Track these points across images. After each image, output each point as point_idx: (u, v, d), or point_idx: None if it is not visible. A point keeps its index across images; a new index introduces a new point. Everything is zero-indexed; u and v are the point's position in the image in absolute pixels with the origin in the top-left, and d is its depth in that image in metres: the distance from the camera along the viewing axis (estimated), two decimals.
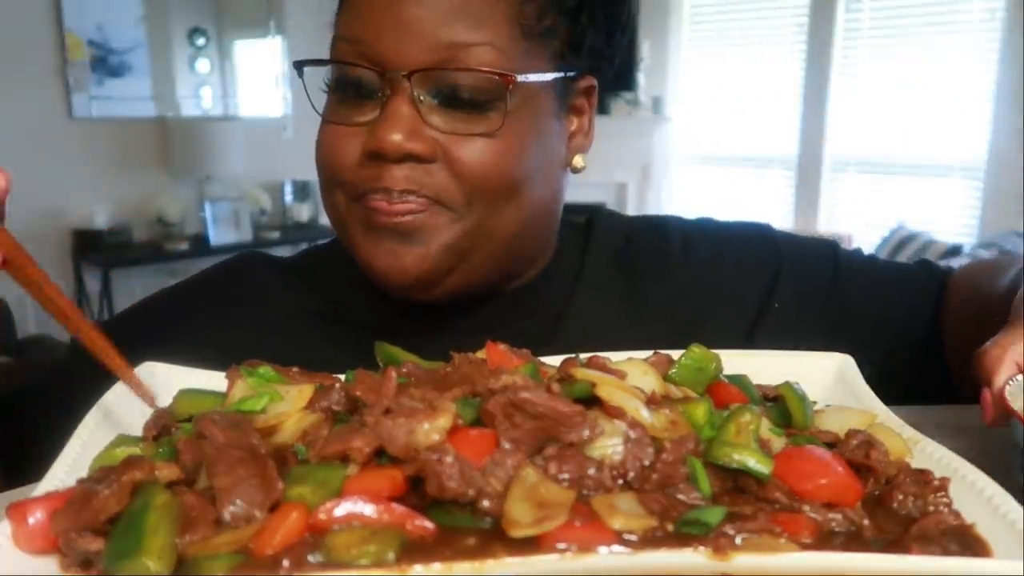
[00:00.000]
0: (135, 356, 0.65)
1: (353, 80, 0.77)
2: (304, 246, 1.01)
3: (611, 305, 0.90)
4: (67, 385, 0.74)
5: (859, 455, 0.54)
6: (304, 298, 0.91)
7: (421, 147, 0.75)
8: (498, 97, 0.75)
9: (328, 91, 0.81)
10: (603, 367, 0.60)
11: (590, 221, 0.97)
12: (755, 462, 0.49)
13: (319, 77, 0.81)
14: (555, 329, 0.88)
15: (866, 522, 0.48)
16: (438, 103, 0.75)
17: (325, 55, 0.79)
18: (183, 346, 0.70)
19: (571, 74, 0.82)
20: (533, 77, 0.77)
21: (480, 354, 0.62)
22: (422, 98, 0.75)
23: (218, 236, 4.70)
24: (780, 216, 5.12)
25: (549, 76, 0.79)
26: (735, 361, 0.69)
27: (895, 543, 0.47)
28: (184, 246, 4.63)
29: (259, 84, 5.23)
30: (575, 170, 0.88)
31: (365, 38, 0.75)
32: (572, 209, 0.90)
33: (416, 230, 0.78)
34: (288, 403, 0.57)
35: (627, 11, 0.86)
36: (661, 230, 0.97)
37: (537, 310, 0.89)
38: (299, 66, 0.80)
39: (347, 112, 0.78)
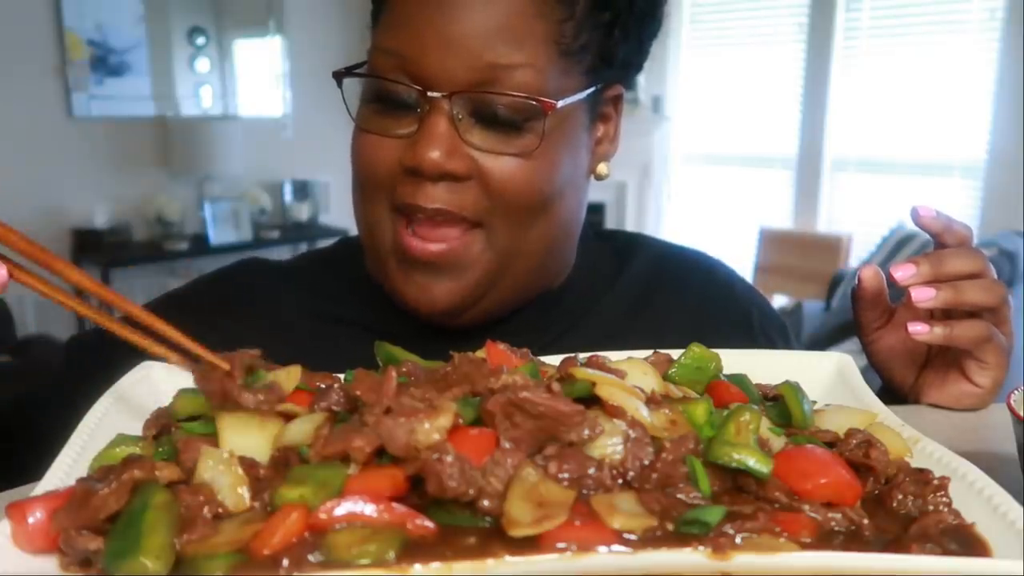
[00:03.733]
0: (140, 359, 0.64)
1: (391, 92, 0.77)
2: (304, 246, 1.00)
3: (629, 320, 0.92)
4: (67, 389, 0.73)
5: (859, 455, 0.54)
6: (311, 301, 0.91)
7: (459, 166, 0.75)
8: (535, 118, 0.75)
9: (362, 98, 0.80)
10: (603, 366, 0.60)
11: (631, 243, 1.00)
12: (755, 461, 0.49)
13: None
14: (571, 333, 0.88)
15: (866, 521, 0.48)
16: (475, 121, 0.75)
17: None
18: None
19: (601, 86, 0.82)
20: (570, 99, 0.77)
21: (480, 353, 0.62)
22: (460, 116, 0.75)
23: (218, 236, 4.69)
24: (780, 216, 5.11)
25: (584, 94, 0.79)
26: (735, 361, 0.69)
27: (895, 543, 0.47)
28: (184, 245, 4.62)
29: (259, 84, 5.21)
30: (599, 177, 0.88)
31: (407, 54, 0.74)
32: None
33: (449, 264, 0.78)
34: (281, 376, 0.59)
35: (658, 20, 0.85)
36: (694, 262, 1.01)
37: (557, 319, 0.90)
38: (338, 77, 0.79)
39: (384, 123, 0.78)
